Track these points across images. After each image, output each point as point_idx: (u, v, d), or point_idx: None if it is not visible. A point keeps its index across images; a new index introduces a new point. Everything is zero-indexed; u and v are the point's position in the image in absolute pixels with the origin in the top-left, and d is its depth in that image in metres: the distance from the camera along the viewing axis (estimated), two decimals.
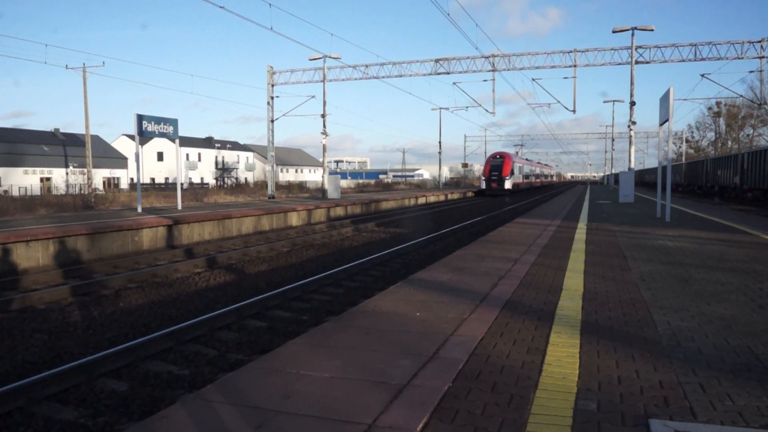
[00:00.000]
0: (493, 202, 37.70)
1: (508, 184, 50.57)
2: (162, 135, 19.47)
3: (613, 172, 63.74)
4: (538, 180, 75.66)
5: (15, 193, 47.70)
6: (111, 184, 67.18)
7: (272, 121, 32.79)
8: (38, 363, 5.79)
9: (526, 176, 62.41)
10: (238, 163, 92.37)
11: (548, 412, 2.85)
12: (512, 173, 51.41)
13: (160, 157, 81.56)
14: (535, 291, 5.70)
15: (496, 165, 51.74)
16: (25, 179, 58.36)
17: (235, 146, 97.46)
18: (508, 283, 6.06)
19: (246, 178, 73.89)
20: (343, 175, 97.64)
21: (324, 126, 30.84)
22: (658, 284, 5.99)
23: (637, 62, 25.13)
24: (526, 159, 72.06)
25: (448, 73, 30.46)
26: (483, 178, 52.76)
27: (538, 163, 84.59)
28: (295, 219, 21.22)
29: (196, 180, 78.46)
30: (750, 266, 7.06)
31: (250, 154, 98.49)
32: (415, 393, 3.07)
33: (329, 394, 3.06)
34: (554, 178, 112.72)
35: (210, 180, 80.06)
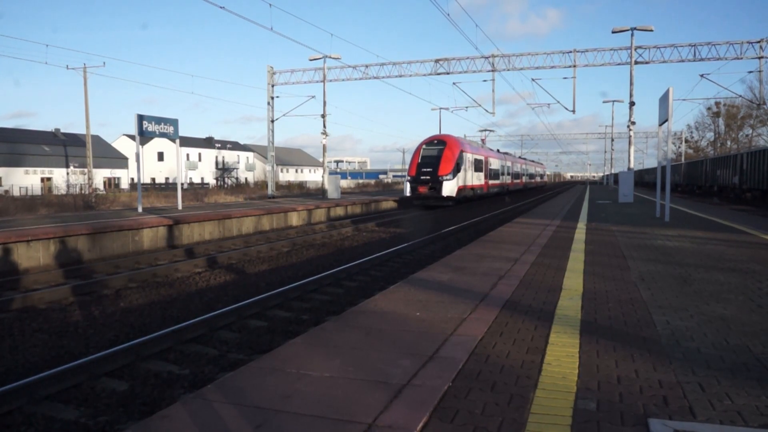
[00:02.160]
0: (494, 203, 37.13)
1: (448, 189, 29.97)
2: (162, 135, 19.49)
3: (613, 172, 63.49)
4: (518, 181, 55.63)
5: (16, 193, 47.77)
6: (111, 184, 67.23)
7: (272, 121, 32.81)
8: (39, 362, 5.80)
9: (493, 175, 41.84)
10: (238, 163, 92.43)
11: (548, 411, 2.86)
12: (458, 169, 30.73)
13: (160, 157, 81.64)
14: (534, 291, 5.71)
15: (430, 157, 30.88)
16: (25, 179, 58.49)
17: (236, 146, 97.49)
18: (508, 283, 6.07)
19: (246, 178, 73.93)
20: (343, 175, 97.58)
21: (324, 126, 30.85)
22: (658, 284, 5.99)
23: (636, 62, 25.15)
24: (498, 150, 50.93)
25: (448, 73, 30.45)
26: (408, 178, 31.46)
27: (521, 158, 64.13)
28: (295, 219, 21.23)
29: (197, 180, 78.50)
30: (749, 266, 7.07)
31: (250, 154, 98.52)
32: (415, 392, 3.07)
33: (329, 394, 3.06)
34: (544, 179, 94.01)
35: (210, 180, 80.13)
